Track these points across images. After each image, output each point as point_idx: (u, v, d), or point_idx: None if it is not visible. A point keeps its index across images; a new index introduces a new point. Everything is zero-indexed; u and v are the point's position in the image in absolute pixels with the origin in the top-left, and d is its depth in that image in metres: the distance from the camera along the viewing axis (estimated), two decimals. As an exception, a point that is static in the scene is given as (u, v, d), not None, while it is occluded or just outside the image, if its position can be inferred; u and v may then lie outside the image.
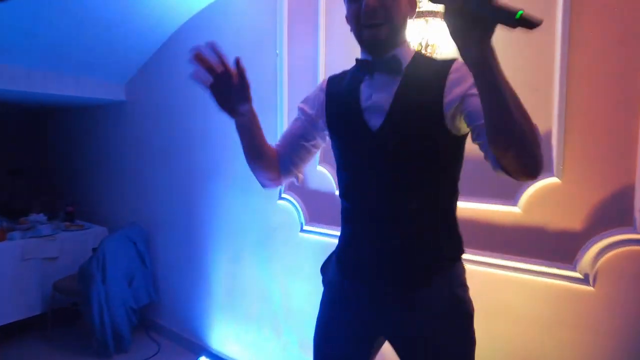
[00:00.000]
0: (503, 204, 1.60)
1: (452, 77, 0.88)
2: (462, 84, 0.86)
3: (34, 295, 3.00)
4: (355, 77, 0.98)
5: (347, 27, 0.98)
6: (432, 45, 1.71)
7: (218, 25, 2.64)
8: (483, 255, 1.65)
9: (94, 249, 2.98)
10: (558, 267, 1.50)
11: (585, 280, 1.45)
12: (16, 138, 4.74)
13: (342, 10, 0.98)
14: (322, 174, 2.13)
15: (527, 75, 1.54)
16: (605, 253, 1.42)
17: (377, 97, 0.92)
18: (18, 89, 2.77)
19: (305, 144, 1.09)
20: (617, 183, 1.39)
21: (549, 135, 1.50)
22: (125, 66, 3.16)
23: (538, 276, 1.55)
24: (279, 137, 2.35)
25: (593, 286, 1.45)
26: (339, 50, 2.07)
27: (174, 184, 3.05)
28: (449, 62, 0.92)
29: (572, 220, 1.48)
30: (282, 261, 2.39)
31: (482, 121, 0.75)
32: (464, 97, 0.85)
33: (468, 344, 0.95)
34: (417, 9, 1.68)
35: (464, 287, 0.98)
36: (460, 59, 0.83)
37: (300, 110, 1.11)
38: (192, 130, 2.87)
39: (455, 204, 1.01)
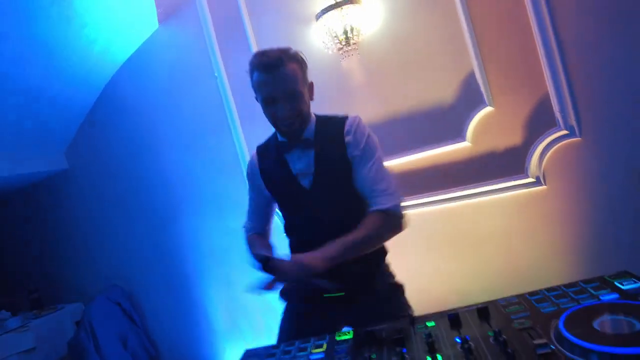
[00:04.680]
0: (454, 143, 1.84)
1: (347, 139, 1.16)
2: (352, 147, 1.16)
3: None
4: (278, 151, 1.22)
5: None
6: (357, 29, 1.95)
7: (149, 67, 2.71)
8: (448, 192, 1.88)
9: (77, 322, 2.84)
10: (514, 179, 1.75)
11: (537, 182, 1.72)
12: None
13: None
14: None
15: (441, 32, 1.82)
16: (546, 154, 1.69)
17: (301, 166, 1.19)
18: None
19: (272, 204, 1.35)
20: (536, 95, 1.68)
21: (472, 73, 1.77)
22: (62, 132, 3.09)
23: (501, 192, 1.79)
24: (238, 148, 2.44)
25: (545, 184, 1.71)
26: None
27: (142, 231, 3.00)
28: (341, 122, 1.19)
29: (512, 137, 1.75)
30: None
31: (361, 188, 1.14)
32: (353, 158, 1.16)
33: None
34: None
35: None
36: (350, 117, 1.19)
37: (251, 187, 1.34)
38: (151, 171, 2.87)
39: None
